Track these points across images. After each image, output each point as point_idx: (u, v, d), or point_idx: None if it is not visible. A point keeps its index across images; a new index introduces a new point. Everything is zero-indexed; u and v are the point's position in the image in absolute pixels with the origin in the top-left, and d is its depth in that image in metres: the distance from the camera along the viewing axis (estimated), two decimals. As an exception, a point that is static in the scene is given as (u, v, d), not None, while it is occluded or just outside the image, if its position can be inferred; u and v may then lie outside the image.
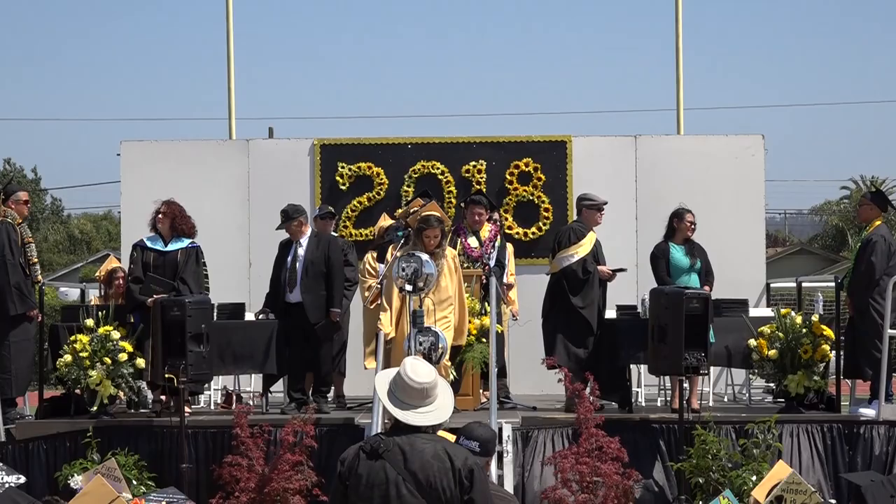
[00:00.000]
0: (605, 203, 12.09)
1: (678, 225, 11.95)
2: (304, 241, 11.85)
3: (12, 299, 11.54)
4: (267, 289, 12.08)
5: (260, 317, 12.00)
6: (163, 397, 11.54)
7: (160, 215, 11.66)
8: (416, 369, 5.58)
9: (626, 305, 12.74)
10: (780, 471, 9.87)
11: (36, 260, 11.92)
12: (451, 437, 6.29)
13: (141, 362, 11.26)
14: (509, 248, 12.93)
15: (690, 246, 11.97)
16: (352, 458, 5.55)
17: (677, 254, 11.89)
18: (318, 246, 11.83)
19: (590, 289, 11.73)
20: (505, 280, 12.43)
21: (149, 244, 11.65)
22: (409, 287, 8.49)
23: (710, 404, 12.71)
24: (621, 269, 12.10)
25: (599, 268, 11.81)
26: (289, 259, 11.85)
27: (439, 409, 5.56)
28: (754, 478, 9.84)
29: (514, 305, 12.63)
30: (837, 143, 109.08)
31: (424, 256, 8.67)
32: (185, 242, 11.66)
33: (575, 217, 12.51)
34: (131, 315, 11.65)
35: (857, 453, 11.03)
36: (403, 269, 8.65)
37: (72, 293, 13.56)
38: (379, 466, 5.45)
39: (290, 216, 11.86)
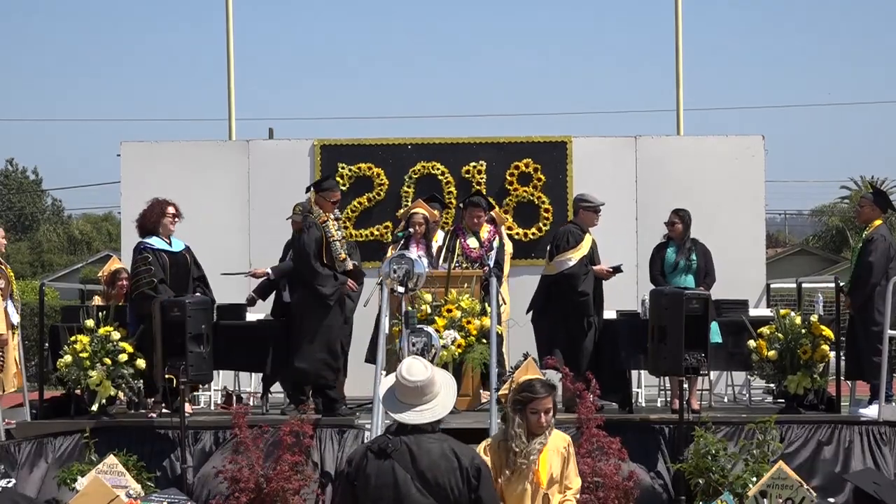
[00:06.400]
0: (603, 204, 12.05)
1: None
2: None
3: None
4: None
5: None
6: (161, 406, 11.52)
7: (175, 218, 11.58)
8: (412, 368, 5.61)
9: (626, 311, 12.70)
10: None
11: (344, 256, 11.33)
12: None
13: (141, 363, 11.25)
14: (508, 247, 12.95)
15: (683, 246, 11.96)
16: (359, 458, 5.57)
17: (668, 252, 11.96)
18: None
19: (588, 282, 11.73)
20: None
21: (157, 245, 11.54)
22: (400, 288, 8.48)
23: (711, 405, 12.71)
24: (618, 269, 12.00)
25: (595, 267, 11.79)
26: (287, 259, 11.90)
27: (436, 406, 5.58)
28: (754, 479, 9.83)
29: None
30: (837, 144, 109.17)
31: (414, 255, 8.67)
32: (182, 243, 11.65)
33: (572, 217, 12.50)
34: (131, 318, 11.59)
35: (856, 454, 11.02)
36: (395, 271, 8.65)
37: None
38: (388, 466, 5.47)
39: (306, 213, 11.92)
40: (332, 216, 11.37)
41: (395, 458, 5.47)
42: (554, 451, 6.97)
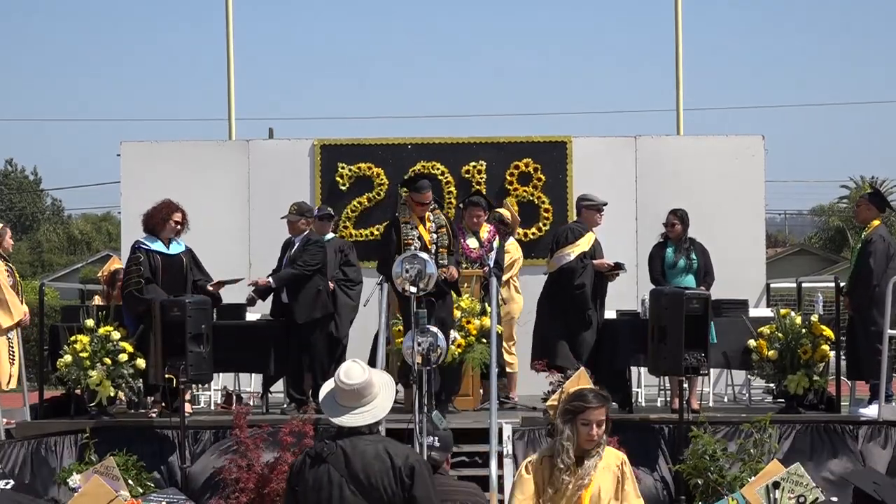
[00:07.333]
0: (605, 204, 12.05)
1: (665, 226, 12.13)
2: (298, 241, 11.92)
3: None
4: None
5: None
6: (159, 406, 11.51)
7: (179, 225, 11.53)
8: (349, 372, 5.65)
9: (626, 311, 12.69)
10: (774, 469, 9.84)
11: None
12: None
13: (141, 362, 11.25)
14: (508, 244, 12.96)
15: (682, 245, 11.97)
16: (299, 465, 5.68)
17: (668, 252, 11.96)
18: (303, 249, 11.87)
19: (586, 277, 11.69)
20: None
21: (152, 246, 11.51)
22: (412, 289, 8.42)
23: (710, 405, 12.71)
24: (620, 266, 11.92)
25: (596, 261, 11.75)
26: (284, 261, 11.91)
27: (375, 408, 5.63)
28: (752, 478, 9.83)
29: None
30: (837, 144, 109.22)
31: (426, 256, 8.63)
32: (182, 245, 11.63)
33: (575, 217, 12.51)
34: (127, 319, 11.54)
35: (856, 453, 11.02)
36: (407, 271, 8.61)
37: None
38: (323, 470, 5.56)
39: (302, 212, 11.90)
40: (420, 216, 11.19)
41: (330, 461, 5.54)
42: (605, 468, 6.43)
